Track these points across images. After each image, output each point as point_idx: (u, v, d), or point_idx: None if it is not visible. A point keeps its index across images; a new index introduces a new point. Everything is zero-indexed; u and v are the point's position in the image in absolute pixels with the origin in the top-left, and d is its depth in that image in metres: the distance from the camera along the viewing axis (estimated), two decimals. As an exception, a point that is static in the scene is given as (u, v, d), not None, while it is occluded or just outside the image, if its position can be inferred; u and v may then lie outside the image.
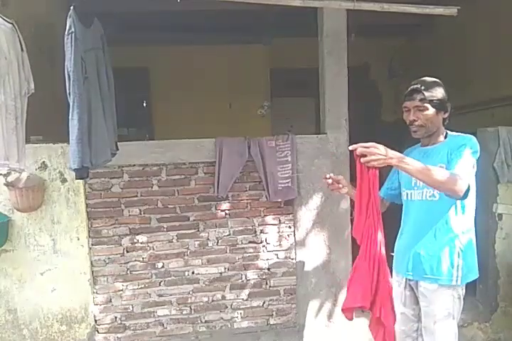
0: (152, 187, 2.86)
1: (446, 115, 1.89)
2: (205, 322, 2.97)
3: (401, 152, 1.70)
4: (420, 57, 6.67)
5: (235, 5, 2.34)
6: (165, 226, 2.89)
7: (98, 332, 2.86)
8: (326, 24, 2.98)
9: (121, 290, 2.87)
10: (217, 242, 2.95)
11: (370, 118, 7.08)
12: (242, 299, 3.00)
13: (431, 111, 1.84)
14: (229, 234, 2.96)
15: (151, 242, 2.88)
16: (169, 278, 2.92)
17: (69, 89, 2.02)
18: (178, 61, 6.11)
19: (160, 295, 2.91)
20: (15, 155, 2.17)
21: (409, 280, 1.94)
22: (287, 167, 2.90)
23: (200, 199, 2.91)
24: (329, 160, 2.98)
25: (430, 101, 1.83)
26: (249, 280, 2.99)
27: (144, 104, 6.38)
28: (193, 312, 2.96)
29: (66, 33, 1.99)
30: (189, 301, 2.95)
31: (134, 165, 2.83)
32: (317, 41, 3.13)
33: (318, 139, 3.00)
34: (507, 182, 3.02)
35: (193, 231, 2.92)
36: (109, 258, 2.84)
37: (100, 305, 2.85)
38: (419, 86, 1.85)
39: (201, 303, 2.95)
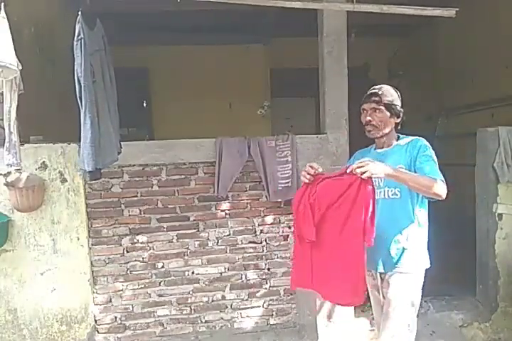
0: (152, 187, 2.86)
1: (399, 120, 2.07)
2: (205, 322, 2.97)
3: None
4: (420, 57, 6.67)
5: (234, 5, 2.35)
6: (165, 226, 2.89)
7: (98, 332, 2.86)
8: (326, 24, 2.98)
9: (121, 290, 2.87)
10: (217, 242, 2.95)
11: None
12: (242, 299, 3.00)
13: (385, 113, 2.01)
14: (229, 234, 2.96)
15: (151, 242, 2.88)
16: (169, 278, 2.92)
17: (79, 94, 2.04)
18: (178, 61, 6.11)
19: (160, 295, 2.91)
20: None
21: (381, 273, 2.03)
22: (287, 167, 2.90)
23: (200, 199, 2.91)
24: (329, 160, 2.97)
25: (385, 105, 2.00)
26: (249, 280, 2.99)
27: (144, 104, 6.37)
28: (193, 312, 2.96)
29: (75, 38, 2.01)
30: (189, 301, 2.95)
31: (134, 165, 2.83)
32: (317, 41, 3.13)
33: (318, 139, 3.00)
34: (507, 182, 3.02)
35: (193, 231, 2.92)
36: (109, 258, 2.84)
37: (100, 305, 2.85)
38: (377, 90, 2.02)
39: (201, 303, 2.95)
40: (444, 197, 1.83)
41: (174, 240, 2.90)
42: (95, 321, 2.84)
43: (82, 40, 2.00)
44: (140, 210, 2.86)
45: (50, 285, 2.74)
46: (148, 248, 2.88)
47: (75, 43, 2.01)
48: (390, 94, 2.03)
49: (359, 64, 6.78)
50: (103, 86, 2.26)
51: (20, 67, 2.10)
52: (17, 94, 2.15)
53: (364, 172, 1.67)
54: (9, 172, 2.58)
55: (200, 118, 5.87)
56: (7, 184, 2.55)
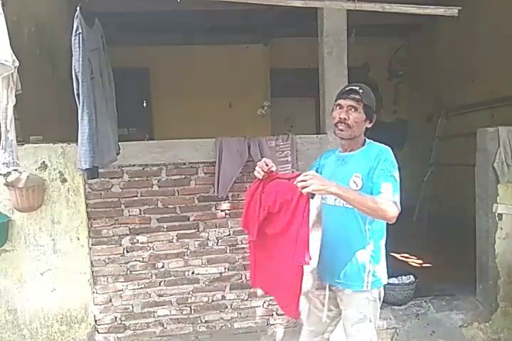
0: (152, 187, 2.86)
1: (370, 125, 1.90)
2: (205, 322, 2.97)
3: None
4: (420, 57, 6.67)
5: (234, 5, 2.35)
6: (165, 226, 2.89)
7: (98, 332, 2.86)
8: (326, 24, 2.98)
9: (121, 290, 2.86)
10: (217, 242, 2.95)
11: (370, 118, 7.08)
12: (242, 299, 2.99)
13: (362, 115, 1.84)
14: (229, 234, 2.95)
15: (151, 242, 2.88)
16: (169, 278, 2.91)
17: (77, 90, 2.03)
18: (178, 61, 6.11)
19: (160, 295, 2.91)
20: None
21: (331, 285, 1.96)
22: (287, 167, 2.90)
23: (200, 199, 2.91)
24: (329, 160, 2.97)
25: (364, 106, 1.84)
26: (249, 280, 2.99)
27: (144, 104, 6.37)
28: (193, 312, 2.96)
29: (73, 33, 2.00)
30: (189, 301, 2.94)
31: (134, 165, 2.83)
32: (317, 41, 3.13)
33: (318, 139, 3.00)
34: (507, 182, 3.02)
35: (193, 231, 2.92)
36: (109, 258, 2.84)
37: (100, 305, 2.85)
38: (357, 88, 1.84)
39: (201, 303, 2.95)
40: (392, 221, 1.70)
41: (174, 240, 2.90)
42: (95, 321, 2.84)
43: (80, 35, 1.99)
44: (140, 210, 2.86)
45: (50, 285, 2.74)
46: (148, 248, 2.88)
47: (73, 38, 2.00)
48: (370, 96, 1.87)
49: (359, 64, 6.79)
50: (101, 84, 2.25)
51: (17, 64, 2.07)
52: (14, 93, 2.14)
53: (305, 187, 1.57)
54: (9, 172, 2.58)
55: (200, 118, 5.87)
56: (7, 184, 2.55)
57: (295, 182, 1.62)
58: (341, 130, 1.85)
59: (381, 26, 5.71)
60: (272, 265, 1.87)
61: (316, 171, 1.96)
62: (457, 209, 5.00)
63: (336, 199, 1.85)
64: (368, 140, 1.94)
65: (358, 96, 1.82)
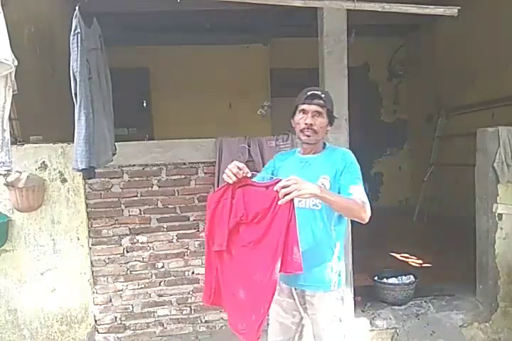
0: (152, 187, 2.86)
1: (329, 128, 1.91)
2: (205, 322, 2.97)
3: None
4: (420, 57, 6.68)
5: (235, 5, 2.35)
6: (165, 226, 2.89)
7: (98, 332, 2.86)
8: (326, 24, 2.97)
9: (121, 290, 2.87)
10: (217, 242, 2.94)
11: (370, 118, 7.09)
12: (242, 299, 2.99)
13: (325, 120, 1.86)
14: (229, 234, 2.95)
15: (151, 242, 2.88)
16: (169, 278, 2.92)
17: (75, 90, 2.02)
18: (178, 61, 6.12)
19: (160, 295, 2.91)
20: None
21: (295, 289, 1.91)
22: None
23: (200, 199, 2.91)
24: (329, 160, 2.97)
25: (328, 111, 1.85)
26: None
27: (144, 104, 6.38)
28: (193, 312, 2.96)
29: (72, 33, 2.00)
30: (189, 301, 2.94)
31: (134, 165, 2.83)
32: (317, 41, 3.13)
33: (318, 139, 3.00)
34: (507, 182, 3.02)
35: (193, 231, 2.92)
36: (109, 258, 2.84)
37: (100, 305, 2.85)
38: (320, 93, 1.85)
39: (201, 303, 2.94)
40: (366, 221, 1.74)
41: (174, 240, 2.90)
42: (95, 321, 2.84)
43: (79, 35, 1.98)
44: (140, 210, 2.86)
45: (50, 285, 2.74)
46: (148, 248, 2.88)
47: (71, 38, 2.00)
48: (331, 100, 1.88)
49: (359, 64, 6.80)
50: (98, 85, 2.25)
51: (16, 63, 2.07)
52: (12, 92, 2.13)
53: (288, 194, 1.52)
54: (9, 173, 2.58)
55: (200, 118, 5.88)
56: (7, 184, 2.55)
57: (276, 189, 1.56)
58: (308, 136, 1.86)
59: (381, 26, 5.71)
60: (240, 278, 1.69)
61: (272, 173, 1.93)
62: (457, 209, 5.00)
63: (300, 201, 1.81)
64: (325, 142, 1.98)
65: (322, 102, 1.83)
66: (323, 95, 1.84)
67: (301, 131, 1.86)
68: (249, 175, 1.67)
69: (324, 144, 1.96)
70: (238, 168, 1.65)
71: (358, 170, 1.83)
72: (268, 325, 2.01)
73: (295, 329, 2.00)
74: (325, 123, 1.86)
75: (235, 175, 1.64)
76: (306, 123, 1.84)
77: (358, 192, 1.74)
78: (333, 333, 1.88)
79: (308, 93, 1.85)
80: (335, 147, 1.98)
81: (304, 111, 1.85)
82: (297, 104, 1.88)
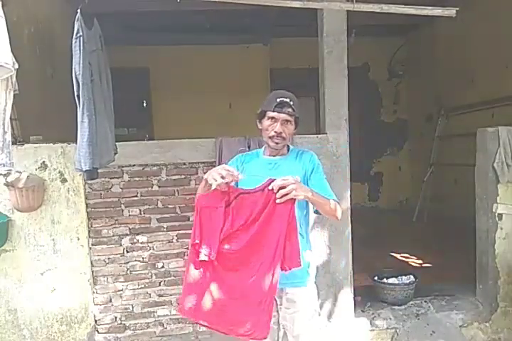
0: (152, 187, 2.86)
1: (295, 131, 1.97)
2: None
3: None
4: (420, 57, 6.68)
5: (235, 5, 2.35)
6: (165, 226, 2.89)
7: (98, 332, 2.86)
8: (326, 24, 2.98)
9: (121, 290, 2.86)
10: (217, 242, 2.94)
11: (370, 118, 7.10)
12: (242, 299, 2.99)
13: (293, 126, 1.91)
14: (229, 234, 2.95)
15: (151, 242, 2.88)
16: (169, 278, 2.91)
17: (77, 92, 2.02)
18: (178, 61, 6.12)
19: (160, 295, 2.91)
20: None
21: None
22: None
23: (200, 199, 2.90)
24: (329, 160, 2.97)
25: (295, 118, 1.89)
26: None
27: (144, 104, 6.38)
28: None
29: (74, 36, 2.00)
30: (189, 301, 2.94)
31: (134, 165, 2.83)
32: (317, 41, 3.13)
33: (318, 139, 3.00)
34: (507, 182, 3.02)
35: (193, 231, 2.91)
36: (109, 258, 2.84)
37: (100, 305, 2.85)
38: (288, 100, 1.86)
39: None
40: (340, 218, 1.85)
41: (174, 240, 2.90)
42: (95, 321, 2.84)
43: (81, 38, 1.99)
44: (140, 210, 2.86)
45: (50, 285, 2.74)
46: (148, 248, 2.88)
47: (73, 41, 2.00)
48: (298, 105, 1.89)
49: (359, 64, 6.81)
50: (100, 85, 2.26)
51: (17, 66, 2.08)
52: (13, 94, 2.14)
53: (286, 194, 1.55)
54: (9, 173, 2.58)
55: (200, 118, 5.88)
56: (7, 184, 2.55)
57: (273, 188, 1.56)
58: (277, 143, 1.89)
59: (381, 26, 5.71)
60: (234, 284, 1.64)
61: None
62: (457, 209, 5.01)
63: None
64: (289, 145, 2.03)
65: (290, 110, 1.85)
66: (291, 102, 1.85)
67: (270, 137, 1.90)
68: (240, 177, 1.66)
69: (288, 146, 2.02)
70: (229, 171, 1.62)
71: (323, 171, 1.96)
72: None
73: (276, 329, 2.02)
74: (292, 129, 1.92)
75: (223, 178, 1.60)
76: (275, 132, 1.87)
77: (329, 193, 1.84)
78: (312, 327, 1.95)
79: (278, 100, 1.86)
80: (298, 148, 2.07)
81: (273, 118, 1.87)
82: (266, 109, 1.90)
